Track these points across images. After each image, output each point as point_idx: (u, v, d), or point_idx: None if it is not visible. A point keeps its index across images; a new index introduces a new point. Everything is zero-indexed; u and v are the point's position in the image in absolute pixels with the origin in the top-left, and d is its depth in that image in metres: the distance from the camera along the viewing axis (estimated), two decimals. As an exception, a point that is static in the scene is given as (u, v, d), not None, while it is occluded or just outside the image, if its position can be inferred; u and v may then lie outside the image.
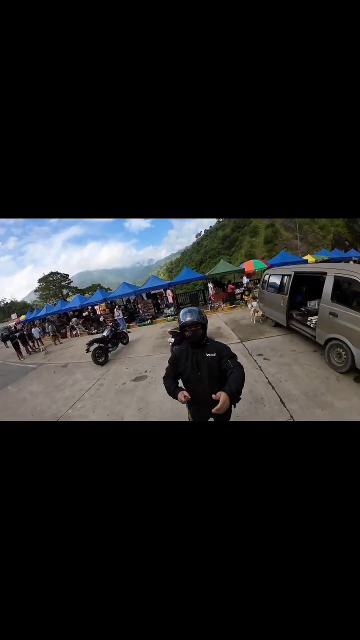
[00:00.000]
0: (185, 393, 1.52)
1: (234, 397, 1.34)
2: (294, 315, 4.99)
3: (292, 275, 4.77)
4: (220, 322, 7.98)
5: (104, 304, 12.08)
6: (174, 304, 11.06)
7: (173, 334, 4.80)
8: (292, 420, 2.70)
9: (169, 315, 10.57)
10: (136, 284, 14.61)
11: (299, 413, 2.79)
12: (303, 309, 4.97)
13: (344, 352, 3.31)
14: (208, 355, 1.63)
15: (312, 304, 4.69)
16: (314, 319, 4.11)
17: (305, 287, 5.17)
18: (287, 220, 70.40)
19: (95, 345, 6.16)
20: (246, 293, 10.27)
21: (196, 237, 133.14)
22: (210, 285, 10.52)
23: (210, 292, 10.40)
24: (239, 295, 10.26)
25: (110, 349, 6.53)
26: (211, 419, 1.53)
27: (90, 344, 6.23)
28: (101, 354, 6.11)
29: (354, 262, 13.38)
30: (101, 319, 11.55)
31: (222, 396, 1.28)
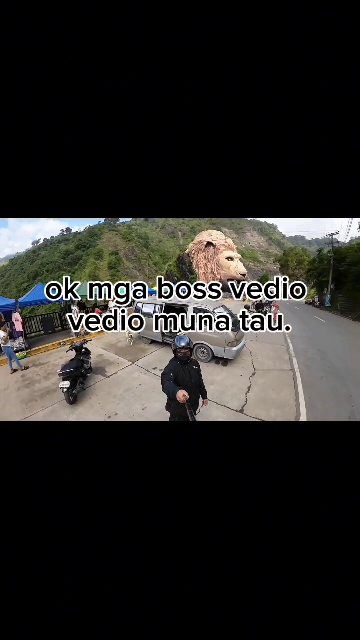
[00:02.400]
0: (185, 392, 1.88)
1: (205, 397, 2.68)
2: (165, 333, 6.86)
3: (164, 306, 6.68)
4: (98, 349, 7.27)
5: None
6: (23, 332, 7.30)
7: (66, 375, 4.03)
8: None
9: (19, 351, 6.85)
10: None
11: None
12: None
13: (205, 350, 5.64)
14: (195, 367, 2.48)
15: (177, 325, 6.87)
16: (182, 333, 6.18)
17: (171, 313, 7.36)
18: (130, 253, 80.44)
19: None
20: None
21: (33, 244, 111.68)
22: (75, 308, 9.75)
23: (75, 316, 8.91)
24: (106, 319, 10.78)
25: None
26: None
27: None
28: None
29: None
30: None
31: (206, 402, 2.70)
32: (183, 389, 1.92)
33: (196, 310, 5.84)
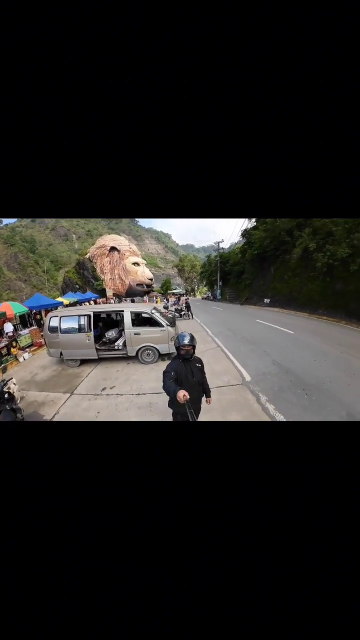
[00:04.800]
0: (185, 392, 1.90)
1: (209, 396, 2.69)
2: (98, 347, 6.17)
3: (92, 315, 5.98)
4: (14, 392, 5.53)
5: None
6: None
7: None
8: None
9: None
10: None
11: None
12: (104, 339, 6.39)
13: (151, 352, 5.78)
14: (198, 365, 2.48)
15: (110, 334, 6.33)
16: (120, 342, 5.79)
17: (101, 323, 6.68)
18: (12, 260, 65.48)
19: None
20: (14, 344, 8.18)
21: None
22: None
23: None
24: (4, 350, 7.73)
25: None
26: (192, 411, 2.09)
27: None
28: None
29: (94, 301, 18.50)
30: None
31: (210, 400, 2.67)
32: (183, 389, 1.95)
33: (133, 314, 5.79)
